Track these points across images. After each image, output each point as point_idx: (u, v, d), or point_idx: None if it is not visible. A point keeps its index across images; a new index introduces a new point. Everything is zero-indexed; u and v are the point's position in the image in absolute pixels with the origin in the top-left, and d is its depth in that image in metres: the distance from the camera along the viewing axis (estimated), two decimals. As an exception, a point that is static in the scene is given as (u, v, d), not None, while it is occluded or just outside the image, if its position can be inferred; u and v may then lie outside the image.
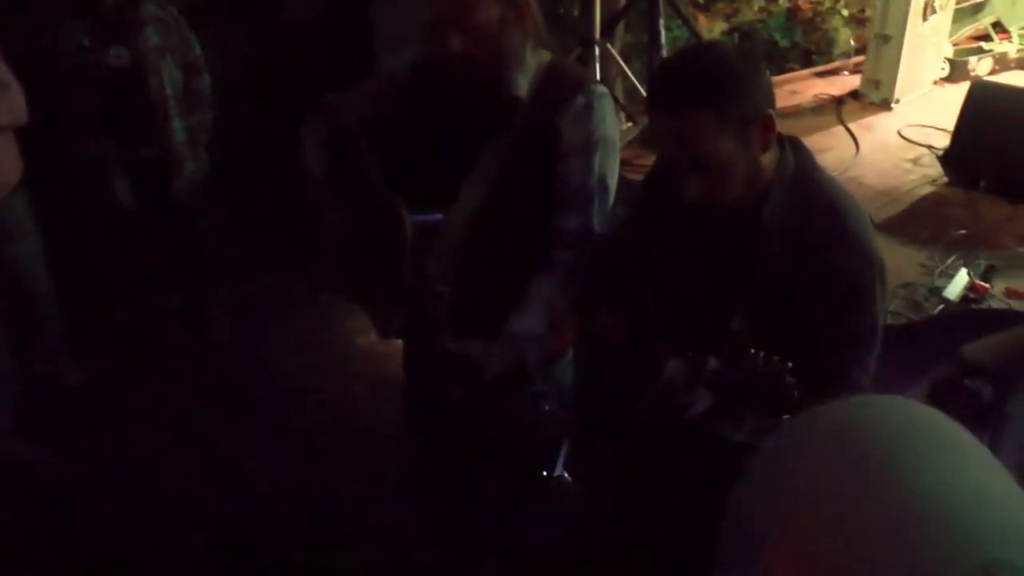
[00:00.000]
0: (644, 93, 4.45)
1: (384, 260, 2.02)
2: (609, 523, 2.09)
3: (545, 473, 2.01)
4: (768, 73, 1.65)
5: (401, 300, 2.07)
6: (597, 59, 4.17)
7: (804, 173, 1.69)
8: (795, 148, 1.72)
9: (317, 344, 4.07)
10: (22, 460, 3.30)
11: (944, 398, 1.59)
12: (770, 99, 1.62)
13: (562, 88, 1.98)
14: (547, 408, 2.05)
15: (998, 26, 5.27)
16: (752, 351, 1.42)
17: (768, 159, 1.65)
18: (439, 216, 2.05)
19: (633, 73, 4.53)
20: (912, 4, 4.53)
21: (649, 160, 4.13)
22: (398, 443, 2.91)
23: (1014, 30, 5.24)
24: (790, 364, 1.40)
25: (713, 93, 1.56)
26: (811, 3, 6.20)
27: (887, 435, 0.51)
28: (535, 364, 2.03)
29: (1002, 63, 5.01)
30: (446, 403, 2.07)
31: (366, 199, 2.05)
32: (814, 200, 1.67)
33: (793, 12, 6.15)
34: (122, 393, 3.76)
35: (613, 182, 2.06)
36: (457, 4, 1.85)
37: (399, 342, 2.47)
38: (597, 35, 4.20)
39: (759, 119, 1.59)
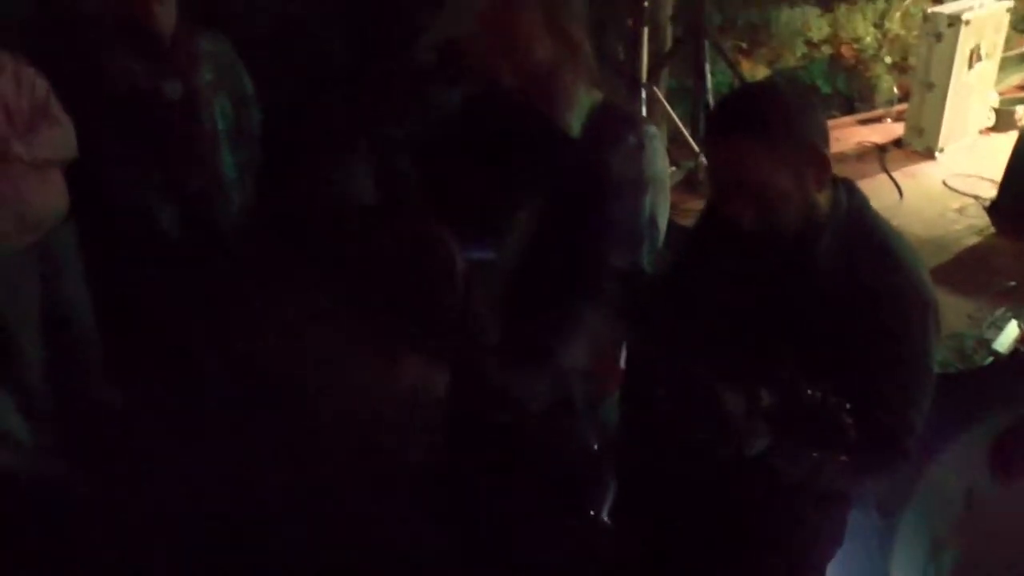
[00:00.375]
0: (688, 137, 4.49)
1: (433, 292, 2.05)
2: (646, 558, 2.09)
3: (592, 513, 2.01)
4: (823, 115, 1.69)
5: (448, 331, 2.10)
6: (643, 102, 4.21)
7: (857, 213, 1.72)
8: (848, 189, 1.74)
9: (335, 356, 4.07)
10: (40, 474, 3.34)
11: (1010, 452, 1.58)
12: (823, 138, 1.64)
13: (614, 127, 2.00)
14: (595, 447, 2.06)
15: (1047, 76, 5.27)
16: (809, 390, 1.43)
17: (823, 199, 1.67)
18: (489, 251, 2.07)
19: (677, 117, 4.56)
20: (957, 52, 4.53)
21: (692, 204, 4.18)
22: (404, 449, 2.92)
23: (1063, 80, 5.24)
24: (847, 404, 1.40)
25: (761, 122, 1.60)
26: (854, 50, 6.22)
27: None
28: (581, 397, 2.04)
29: (1050, 114, 4.99)
30: (490, 433, 2.09)
31: (414, 229, 2.07)
32: (867, 239, 1.69)
33: (835, 59, 6.17)
34: (152, 413, 3.79)
35: (664, 221, 2.07)
36: (510, 42, 1.88)
37: (417, 359, 2.48)
38: (643, 78, 4.24)
39: (810, 153, 1.62)
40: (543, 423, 2.04)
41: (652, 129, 2.05)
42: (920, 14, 5.93)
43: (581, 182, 1.99)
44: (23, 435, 3.61)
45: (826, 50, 6.15)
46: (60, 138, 3.18)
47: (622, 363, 2.19)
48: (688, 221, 3.53)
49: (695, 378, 1.74)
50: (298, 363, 4.07)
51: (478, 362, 2.10)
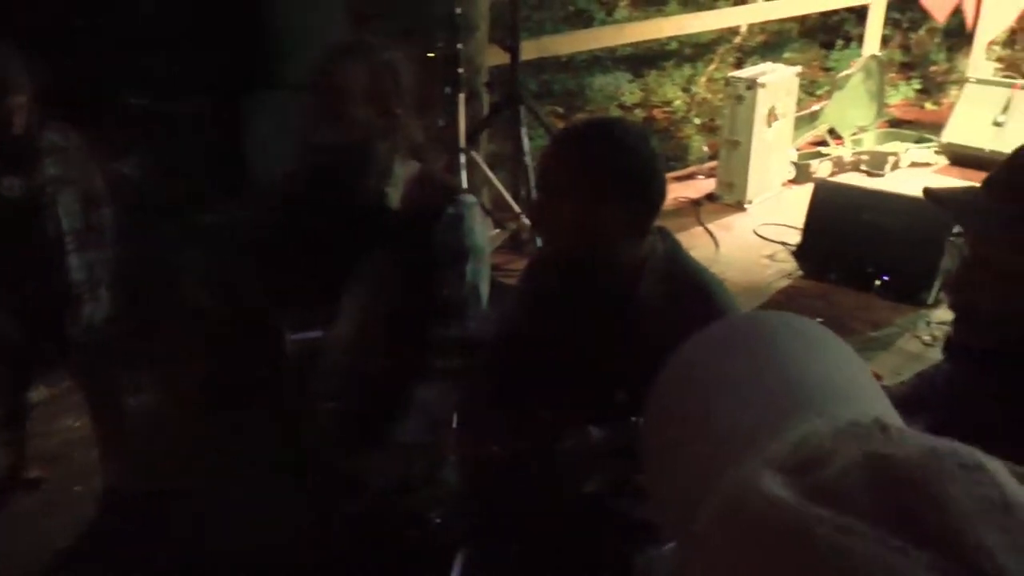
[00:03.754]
0: (509, 199, 4.56)
1: (265, 378, 1.98)
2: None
3: None
4: (661, 180, 1.72)
5: (282, 418, 2.02)
6: (464, 167, 4.24)
7: (673, 257, 1.77)
8: (663, 236, 1.80)
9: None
10: None
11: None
12: (639, 186, 1.67)
13: (432, 199, 2.01)
14: (437, 520, 2.01)
15: (833, 132, 5.69)
16: (633, 418, 1.44)
17: (632, 244, 1.71)
18: (318, 332, 2.02)
19: (498, 180, 4.63)
20: (757, 112, 4.84)
21: (518, 264, 4.22)
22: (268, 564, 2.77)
23: (846, 136, 5.68)
24: None
25: (575, 149, 1.65)
26: (665, 113, 6.54)
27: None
28: (421, 472, 2.01)
29: (839, 165, 5.39)
30: (329, 519, 2.01)
31: (245, 317, 2.01)
32: (683, 281, 1.74)
33: (648, 121, 6.47)
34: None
35: (485, 289, 2.09)
36: (330, 92, 1.89)
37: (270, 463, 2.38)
38: (463, 144, 4.28)
39: (622, 193, 1.65)
40: (385, 500, 2.00)
41: (470, 198, 2.07)
42: (723, 79, 6.34)
43: (404, 255, 1.98)
44: None
45: (639, 113, 6.44)
46: None
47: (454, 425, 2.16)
48: (513, 281, 3.54)
49: (529, 429, 1.73)
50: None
51: (316, 446, 2.03)
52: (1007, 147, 5.00)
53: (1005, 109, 5.27)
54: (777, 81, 4.99)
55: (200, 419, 3.30)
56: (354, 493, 1.94)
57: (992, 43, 6.56)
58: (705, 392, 0.57)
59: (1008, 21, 6.33)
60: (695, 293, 1.72)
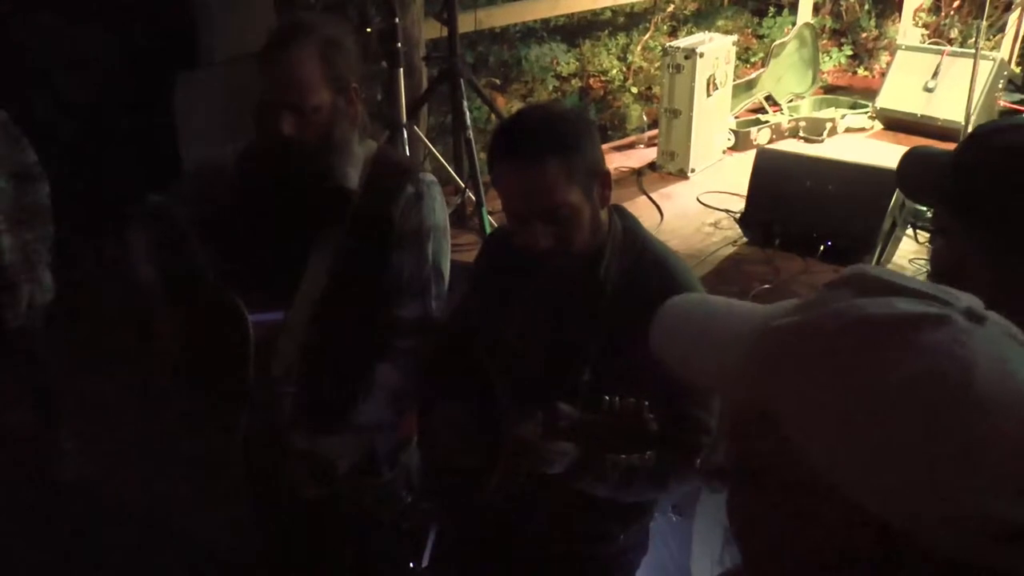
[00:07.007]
0: (452, 173, 4.50)
1: (226, 362, 1.93)
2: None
3: (412, 565, 1.92)
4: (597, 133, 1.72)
5: (245, 401, 1.98)
6: (406, 142, 4.17)
7: (631, 233, 1.78)
8: (619, 212, 1.81)
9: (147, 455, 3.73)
10: None
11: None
12: (602, 155, 1.69)
13: (391, 178, 1.99)
14: (408, 500, 2.00)
15: (770, 99, 5.75)
16: (607, 397, 1.43)
17: (604, 217, 1.71)
18: (279, 314, 1.99)
19: (439, 154, 4.57)
20: (696, 81, 4.84)
21: (463, 239, 4.18)
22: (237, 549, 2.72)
23: (783, 103, 5.74)
24: (646, 402, 1.42)
25: (562, 145, 1.61)
26: (601, 82, 6.52)
27: None
28: (385, 453, 2.00)
29: (777, 132, 5.44)
30: (297, 503, 1.97)
31: (203, 300, 1.97)
32: (643, 256, 1.75)
33: (585, 91, 6.45)
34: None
35: (447, 267, 2.10)
36: (293, 86, 1.83)
37: (229, 446, 2.32)
38: (404, 118, 4.20)
39: (599, 174, 1.65)
40: (351, 482, 1.97)
41: (429, 177, 2.05)
42: (658, 47, 6.34)
43: (363, 235, 1.96)
44: None
45: (576, 83, 6.42)
46: None
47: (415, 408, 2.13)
48: (461, 256, 3.50)
49: (487, 412, 1.70)
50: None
51: (278, 428, 2.01)
52: (938, 112, 5.17)
53: (935, 75, 5.36)
54: (715, 50, 4.99)
55: (161, 404, 3.21)
56: (321, 474, 1.91)
57: (918, 10, 6.69)
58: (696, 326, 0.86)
59: (934, -13, 6.47)
60: (657, 271, 1.73)
